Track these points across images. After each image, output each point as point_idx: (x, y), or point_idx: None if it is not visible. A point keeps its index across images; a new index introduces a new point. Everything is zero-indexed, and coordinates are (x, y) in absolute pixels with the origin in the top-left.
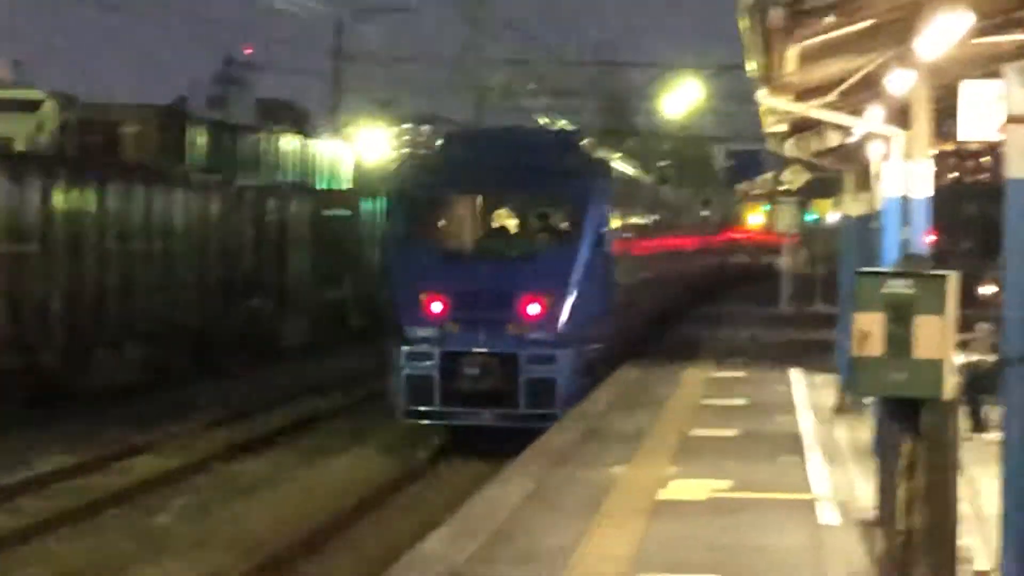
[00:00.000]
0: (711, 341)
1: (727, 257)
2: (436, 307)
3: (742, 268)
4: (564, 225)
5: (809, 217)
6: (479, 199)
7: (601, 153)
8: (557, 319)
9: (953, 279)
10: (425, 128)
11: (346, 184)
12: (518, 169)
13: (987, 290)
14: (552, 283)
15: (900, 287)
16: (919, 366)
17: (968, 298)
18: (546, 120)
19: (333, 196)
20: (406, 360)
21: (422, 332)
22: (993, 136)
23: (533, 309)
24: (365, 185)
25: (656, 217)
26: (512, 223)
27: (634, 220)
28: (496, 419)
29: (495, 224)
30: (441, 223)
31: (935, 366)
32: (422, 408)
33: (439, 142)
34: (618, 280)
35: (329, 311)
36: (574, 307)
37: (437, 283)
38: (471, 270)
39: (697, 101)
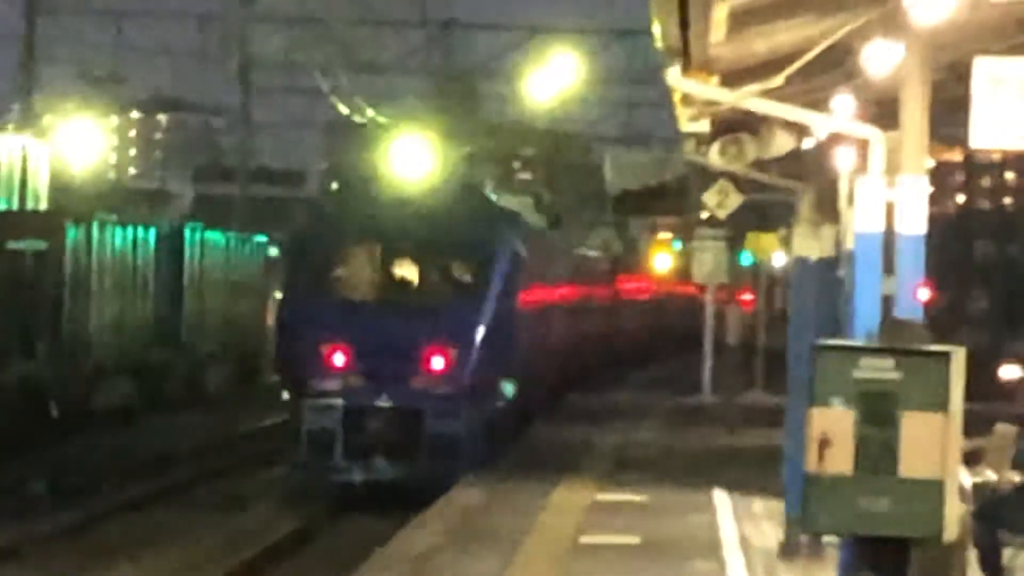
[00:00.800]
0: (598, 446)
1: (628, 317)
2: (338, 359)
3: (652, 332)
4: (469, 276)
5: (745, 260)
6: (379, 248)
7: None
8: (463, 372)
9: (960, 357)
10: (163, 117)
11: (40, 202)
12: (421, 218)
13: (1011, 372)
14: (458, 335)
15: (879, 369)
16: (907, 490)
17: (983, 384)
18: (345, 107)
19: (16, 221)
20: (308, 414)
21: (324, 385)
22: (1020, 143)
23: (438, 363)
24: (73, 204)
25: (563, 268)
26: (415, 273)
27: (542, 271)
28: (398, 475)
29: (398, 274)
30: (342, 272)
31: (931, 490)
32: (323, 463)
33: (334, 186)
34: (525, 336)
35: (12, 395)
36: (480, 360)
37: (339, 334)
38: (374, 321)
39: (574, 84)
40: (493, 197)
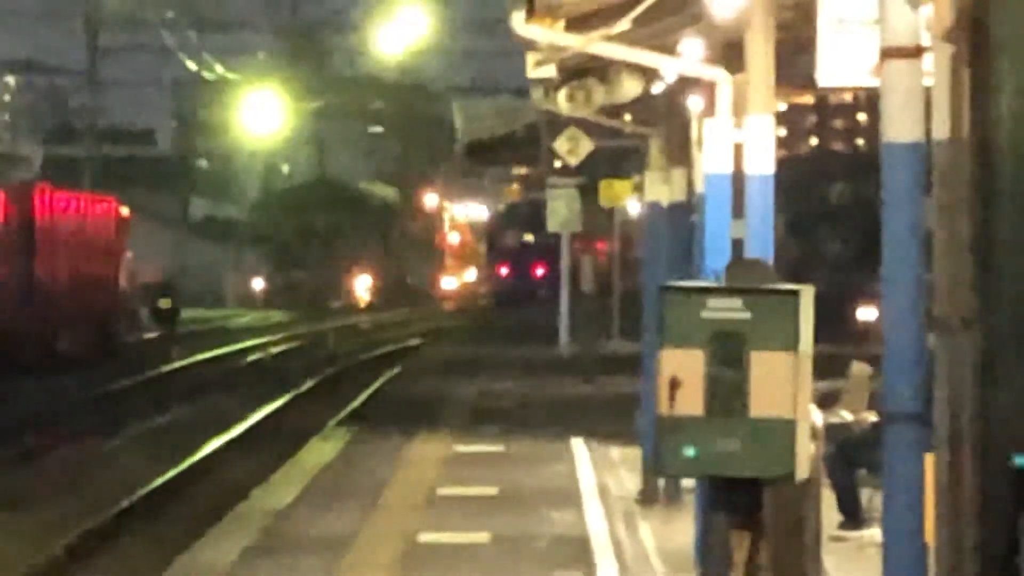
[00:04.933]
0: (455, 398)
1: None
2: None
3: None
4: None
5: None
6: None
7: None
8: None
9: (808, 296)
10: (11, 79)
11: None
12: None
13: (868, 314)
14: None
15: (728, 309)
16: (758, 430)
17: (839, 326)
18: (193, 64)
19: None
20: None
21: None
22: (866, 80)
23: None
24: None
25: None
26: None
27: None
28: None
29: None
30: None
31: (782, 429)
32: None
33: None
34: None
35: None
36: None
37: None
38: None
39: (423, 35)
40: None
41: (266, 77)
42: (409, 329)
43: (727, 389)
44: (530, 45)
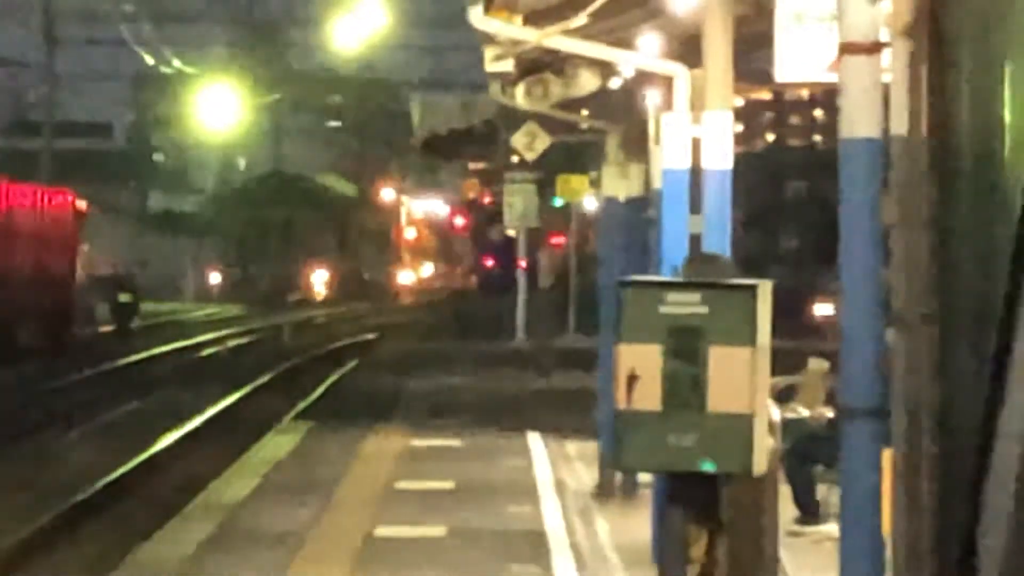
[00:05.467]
0: (412, 393)
1: None
2: None
3: None
4: None
5: (557, 202)
6: None
7: None
8: None
9: (766, 291)
10: None
11: None
12: None
13: (825, 309)
14: None
15: (686, 304)
16: (716, 425)
17: (796, 321)
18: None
19: None
20: None
21: None
22: (824, 76)
23: None
24: None
25: None
26: None
27: None
28: None
29: None
30: None
31: (740, 424)
32: None
33: None
34: None
35: None
36: None
37: None
38: None
39: (382, 30)
40: None
41: (223, 71)
42: (365, 323)
43: (685, 384)
44: (488, 39)
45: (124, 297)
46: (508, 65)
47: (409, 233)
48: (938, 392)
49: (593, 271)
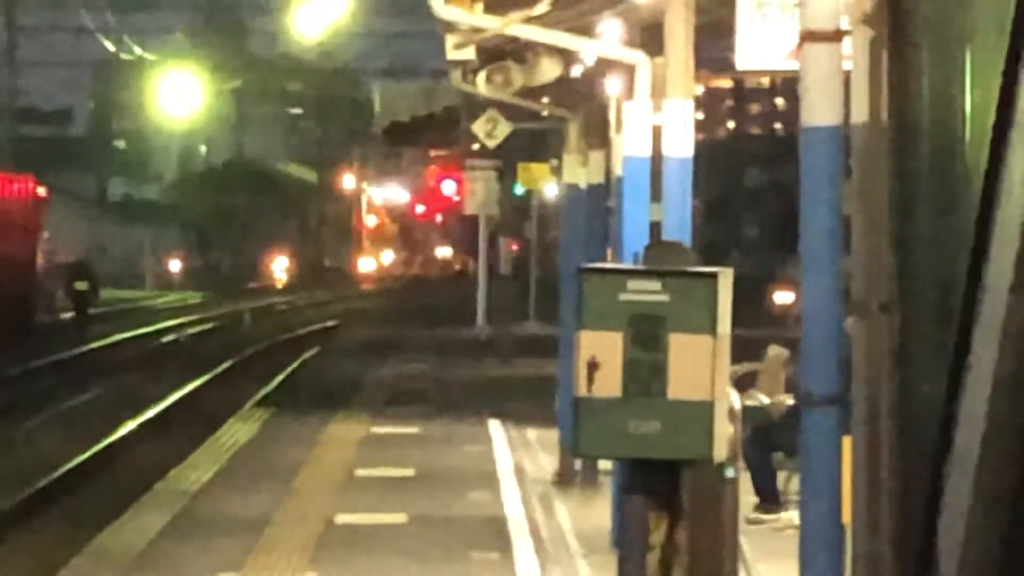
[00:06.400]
0: (372, 380)
1: None
2: None
3: None
4: None
5: (518, 190)
6: None
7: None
8: None
9: (727, 279)
10: None
11: None
12: None
13: (785, 297)
14: None
15: (646, 292)
16: (676, 412)
17: (758, 310)
18: (112, 45)
19: None
20: None
21: None
22: (784, 64)
23: None
24: None
25: None
26: None
27: None
28: None
29: None
30: None
31: (700, 411)
32: None
33: None
34: None
35: None
36: None
37: None
38: None
39: (343, 17)
40: None
41: (184, 58)
42: (326, 310)
43: (645, 371)
44: (449, 27)
45: (81, 284)
46: (470, 53)
47: (370, 220)
48: (897, 379)
49: (554, 258)
